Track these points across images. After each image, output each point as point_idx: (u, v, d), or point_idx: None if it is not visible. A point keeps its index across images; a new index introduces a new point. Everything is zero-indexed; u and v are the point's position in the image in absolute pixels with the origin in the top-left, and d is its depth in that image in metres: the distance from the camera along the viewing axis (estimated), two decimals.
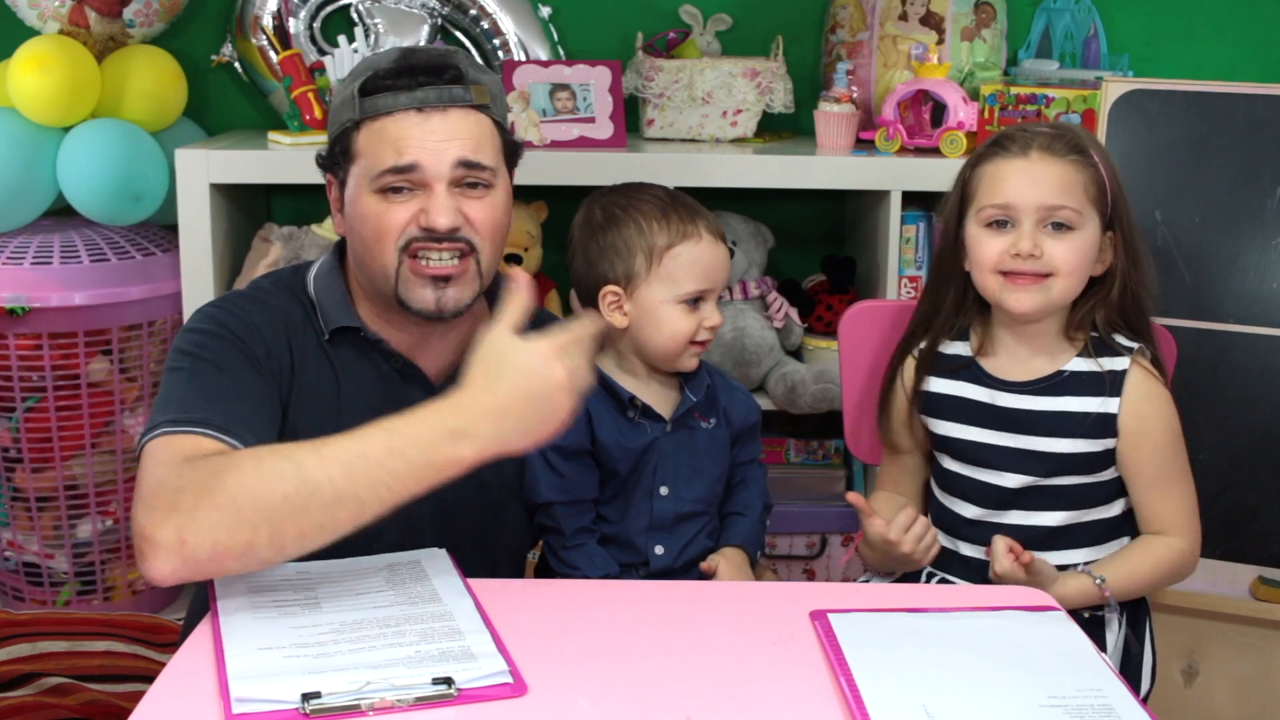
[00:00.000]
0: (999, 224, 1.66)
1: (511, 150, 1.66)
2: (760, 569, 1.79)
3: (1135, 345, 1.70)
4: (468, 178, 1.58)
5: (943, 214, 1.77)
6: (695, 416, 1.71)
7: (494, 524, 1.68)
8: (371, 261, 1.60)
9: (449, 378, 1.65)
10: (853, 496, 1.69)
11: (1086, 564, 1.71)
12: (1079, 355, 1.70)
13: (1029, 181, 1.64)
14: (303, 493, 1.32)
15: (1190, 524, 1.71)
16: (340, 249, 1.71)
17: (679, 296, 1.65)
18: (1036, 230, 1.64)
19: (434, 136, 1.55)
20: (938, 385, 1.76)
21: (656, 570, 1.69)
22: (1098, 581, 1.67)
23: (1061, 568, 1.70)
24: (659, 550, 1.69)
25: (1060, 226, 1.64)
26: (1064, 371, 1.70)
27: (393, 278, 1.59)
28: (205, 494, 1.33)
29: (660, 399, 1.71)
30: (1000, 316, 1.73)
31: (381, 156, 1.56)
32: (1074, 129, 1.70)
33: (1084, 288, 1.70)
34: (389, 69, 1.57)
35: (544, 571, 1.75)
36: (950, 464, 1.76)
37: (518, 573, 1.79)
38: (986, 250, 1.67)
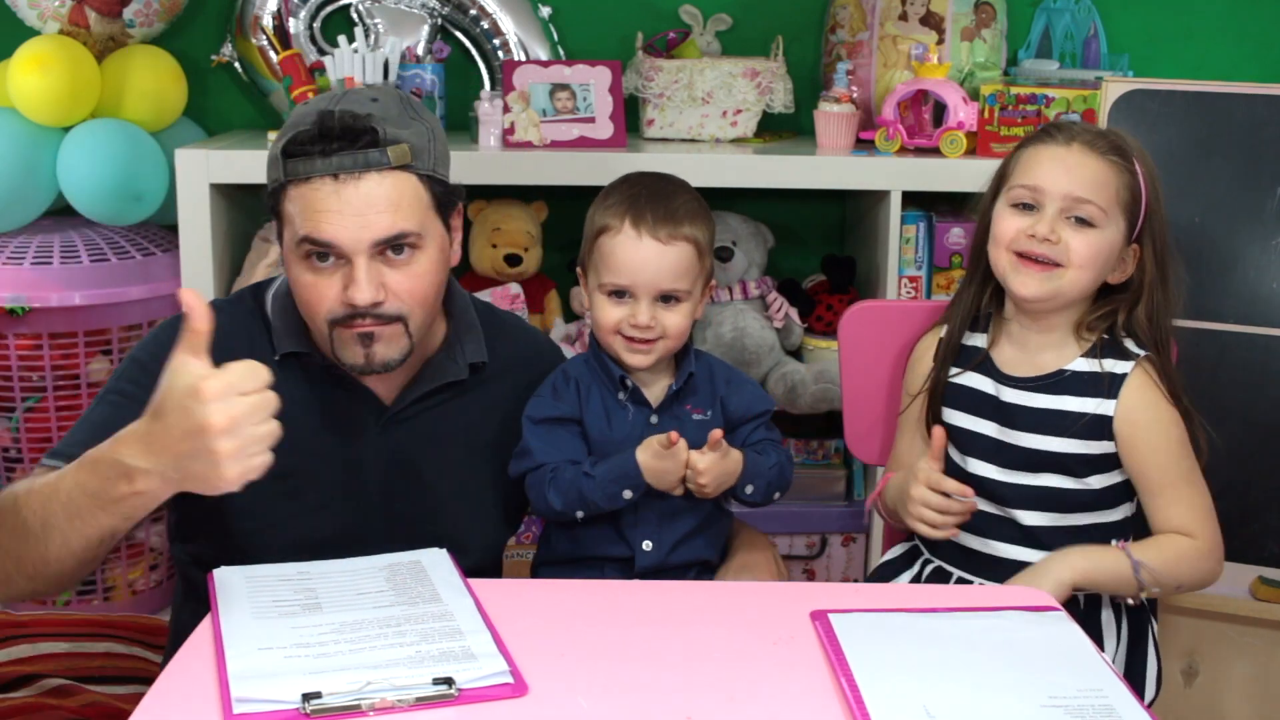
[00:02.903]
0: (1025, 206, 1.68)
1: (446, 199, 1.61)
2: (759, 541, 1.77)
3: (1142, 352, 1.70)
4: (390, 246, 1.55)
5: (978, 206, 1.78)
6: (687, 408, 1.71)
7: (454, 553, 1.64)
8: (309, 323, 1.61)
9: (400, 395, 1.67)
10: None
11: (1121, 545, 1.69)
12: (1084, 355, 1.70)
13: (1062, 169, 1.66)
14: (19, 526, 1.41)
15: (1205, 526, 1.69)
16: None
17: (601, 285, 1.67)
18: (1058, 218, 1.65)
19: (350, 208, 1.52)
20: (954, 375, 1.76)
21: (645, 568, 1.68)
22: (1135, 562, 1.64)
23: None
24: (646, 546, 1.68)
25: (1082, 221, 1.65)
26: (1066, 371, 1.70)
27: (327, 342, 1.59)
28: None
29: (652, 385, 1.71)
30: (1012, 305, 1.74)
31: (301, 226, 1.54)
32: (1125, 135, 1.71)
33: (1099, 292, 1.71)
34: (307, 132, 1.54)
35: (543, 571, 1.75)
36: (953, 453, 1.76)
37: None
38: (1006, 225, 1.69)
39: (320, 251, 1.54)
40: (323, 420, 1.65)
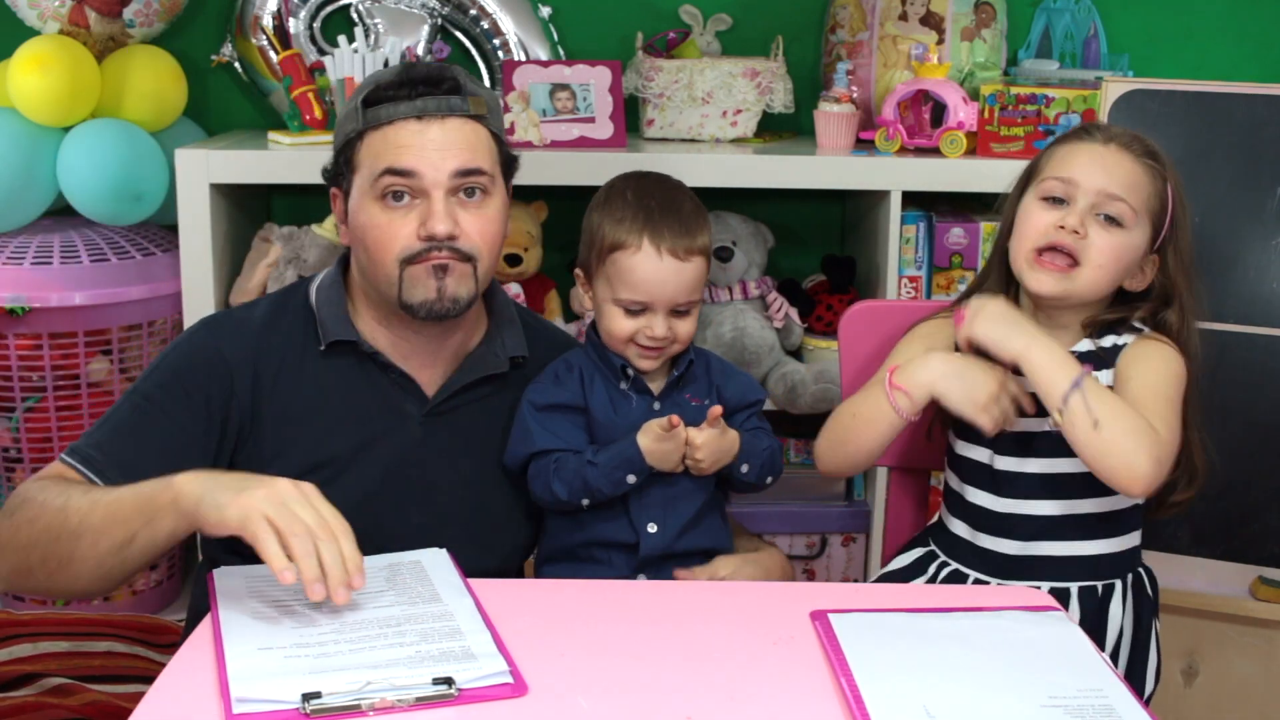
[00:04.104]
0: (1055, 200, 1.68)
1: (508, 163, 1.70)
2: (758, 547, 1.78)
3: (1146, 329, 1.71)
4: (465, 185, 1.62)
5: (1003, 206, 1.77)
6: (686, 396, 1.72)
7: (486, 548, 1.70)
8: (376, 270, 1.64)
9: (442, 387, 1.71)
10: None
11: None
12: (1087, 338, 1.71)
13: (1099, 165, 1.66)
14: (56, 522, 1.47)
15: (1168, 446, 1.60)
16: (345, 259, 1.75)
17: (616, 300, 1.68)
18: (1089, 213, 1.66)
19: (432, 145, 1.60)
20: None
21: (651, 553, 1.68)
22: (1079, 380, 1.58)
23: (1063, 559, 1.71)
24: (651, 528, 1.68)
25: (1111, 220, 1.66)
26: (1074, 352, 1.70)
27: (396, 285, 1.62)
28: (8, 517, 1.53)
29: (652, 375, 1.72)
30: (1028, 300, 1.74)
31: (382, 159, 1.61)
32: (1158, 146, 1.71)
33: (1114, 298, 1.71)
34: (390, 81, 1.62)
35: (548, 569, 1.75)
36: (960, 446, 1.77)
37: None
38: (1034, 221, 1.68)
39: (396, 190, 1.60)
40: (365, 410, 1.68)
